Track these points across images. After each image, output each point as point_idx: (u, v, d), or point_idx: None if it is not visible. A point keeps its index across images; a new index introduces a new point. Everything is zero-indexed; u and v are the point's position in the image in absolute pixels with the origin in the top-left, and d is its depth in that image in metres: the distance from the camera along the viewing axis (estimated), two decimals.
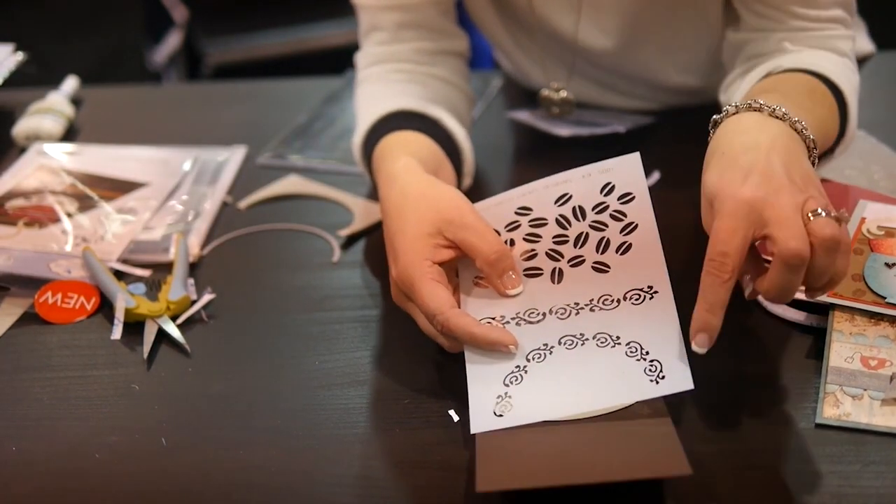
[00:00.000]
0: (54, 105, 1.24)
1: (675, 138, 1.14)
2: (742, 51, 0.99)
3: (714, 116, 0.81)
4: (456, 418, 0.75)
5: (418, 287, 0.77)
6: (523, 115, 1.16)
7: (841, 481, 0.68)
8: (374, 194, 1.05)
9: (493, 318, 0.78)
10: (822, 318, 0.79)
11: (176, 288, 0.90)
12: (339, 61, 1.48)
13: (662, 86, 1.14)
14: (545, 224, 0.81)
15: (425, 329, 0.79)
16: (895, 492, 0.67)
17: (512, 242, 0.81)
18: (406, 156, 0.88)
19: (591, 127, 1.13)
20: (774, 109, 0.77)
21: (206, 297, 0.90)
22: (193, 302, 0.90)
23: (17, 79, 1.25)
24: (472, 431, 0.72)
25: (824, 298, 0.78)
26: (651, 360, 0.72)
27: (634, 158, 0.82)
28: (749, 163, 0.72)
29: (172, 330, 0.87)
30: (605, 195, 0.81)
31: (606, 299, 0.77)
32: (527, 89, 1.26)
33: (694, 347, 0.70)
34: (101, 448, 0.75)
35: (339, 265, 0.96)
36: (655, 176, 1.06)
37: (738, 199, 0.70)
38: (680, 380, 0.71)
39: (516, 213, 0.82)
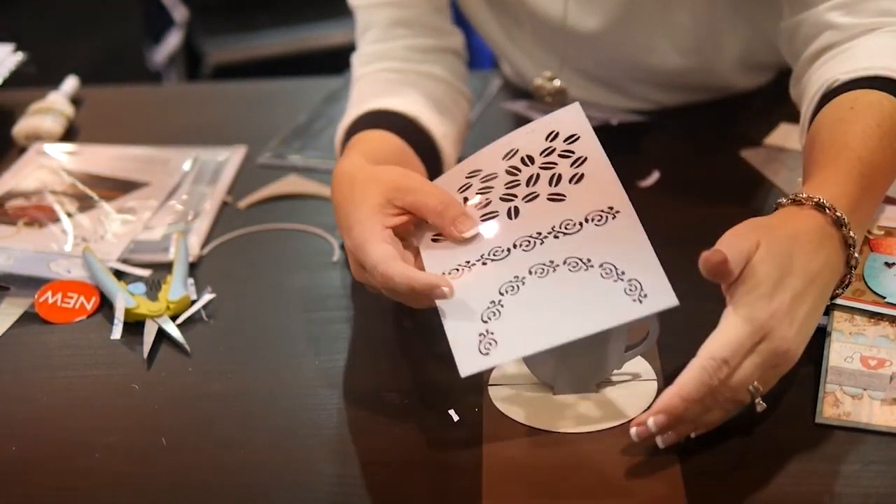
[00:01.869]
0: (54, 105, 1.24)
1: (674, 138, 1.14)
2: (795, 38, 0.93)
3: (780, 200, 0.77)
4: (456, 418, 0.75)
5: (366, 247, 0.76)
6: (518, 107, 1.16)
7: (840, 481, 0.68)
8: None
9: (459, 267, 0.77)
10: (822, 317, 0.79)
11: (176, 288, 0.90)
12: (339, 61, 1.47)
13: (656, 70, 1.11)
14: (495, 177, 0.81)
15: (387, 294, 0.78)
16: (895, 492, 0.67)
17: (466, 201, 0.81)
18: (357, 154, 0.88)
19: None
20: (838, 217, 0.74)
21: (206, 297, 0.90)
22: (193, 302, 0.90)
23: (17, 79, 1.24)
24: (462, 374, 0.71)
25: None
26: (629, 280, 0.72)
27: (575, 107, 0.82)
28: (783, 285, 0.70)
29: (172, 330, 0.87)
30: (551, 141, 0.81)
31: (568, 223, 0.76)
32: (524, 90, 1.26)
33: (649, 424, 0.67)
34: (101, 448, 0.75)
35: (339, 265, 0.96)
36: (655, 176, 1.06)
37: (761, 323, 0.68)
38: (663, 296, 0.70)
39: (466, 177, 0.82)
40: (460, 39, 1.08)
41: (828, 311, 0.78)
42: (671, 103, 1.17)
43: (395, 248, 0.77)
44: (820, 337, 0.78)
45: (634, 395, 0.76)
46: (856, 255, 0.75)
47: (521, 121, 1.19)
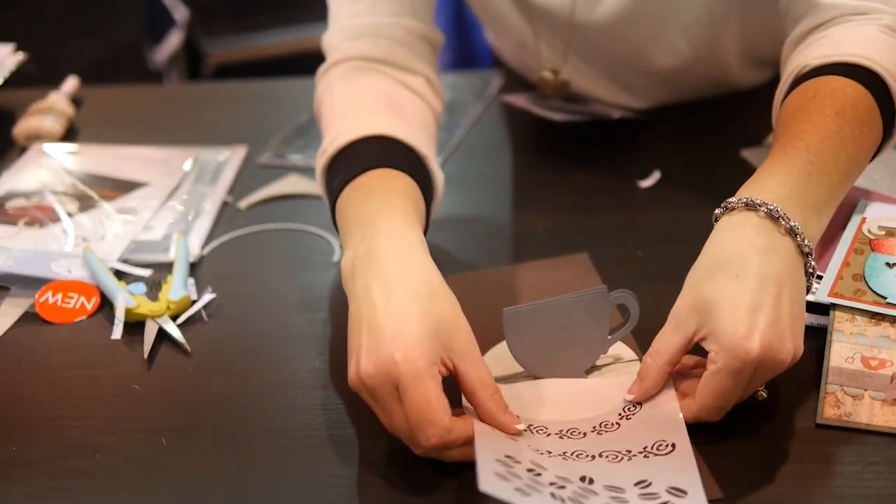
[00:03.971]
0: (55, 105, 1.24)
1: (674, 138, 1.14)
2: (787, 18, 0.93)
3: (716, 211, 0.76)
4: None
5: (421, 383, 0.66)
6: (518, 100, 1.16)
7: (841, 481, 0.68)
8: None
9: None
10: (823, 317, 0.79)
11: (176, 288, 0.90)
12: None
13: (661, 63, 1.11)
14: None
15: (395, 426, 0.69)
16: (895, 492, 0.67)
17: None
18: (416, 225, 0.78)
19: (586, 113, 1.13)
20: (770, 210, 0.72)
21: (207, 297, 0.90)
22: (194, 302, 0.90)
23: (18, 79, 1.24)
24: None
25: (825, 298, 0.78)
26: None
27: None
28: (756, 302, 0.69)
29: (173, 330, 0.87)
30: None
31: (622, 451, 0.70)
32: (524, 79, 1.26)
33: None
34: (101, 448, 0.75)
35: (338, 265, 0.96)
36: (656, 176, 1.06)
37: (747, 359, 0.68)
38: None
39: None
40: (441, 38, 1.03)
41: (828, 311, 0.78)
42: (673, 100, 1.17)
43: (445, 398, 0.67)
44: (821, 337, 0.78)
45: (621, 377, 0.77)
46: (806, 242, 0.72)
47: (521, 115, 1.20)
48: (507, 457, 0.66)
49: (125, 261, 0.97)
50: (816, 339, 0.80)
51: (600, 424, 0.72)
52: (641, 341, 0.80)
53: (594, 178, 1.07)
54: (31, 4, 2.21)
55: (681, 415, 0.71)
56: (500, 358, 0.78)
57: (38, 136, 1.20)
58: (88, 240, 0.99)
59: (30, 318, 0.90)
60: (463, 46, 2.13)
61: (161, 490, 0.72)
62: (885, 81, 0.81)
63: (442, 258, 0.95)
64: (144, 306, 0.88)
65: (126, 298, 0.88)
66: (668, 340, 0.72)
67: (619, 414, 0.73)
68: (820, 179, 0.76)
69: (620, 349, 0.80)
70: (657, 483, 0.66)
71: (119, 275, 0.94)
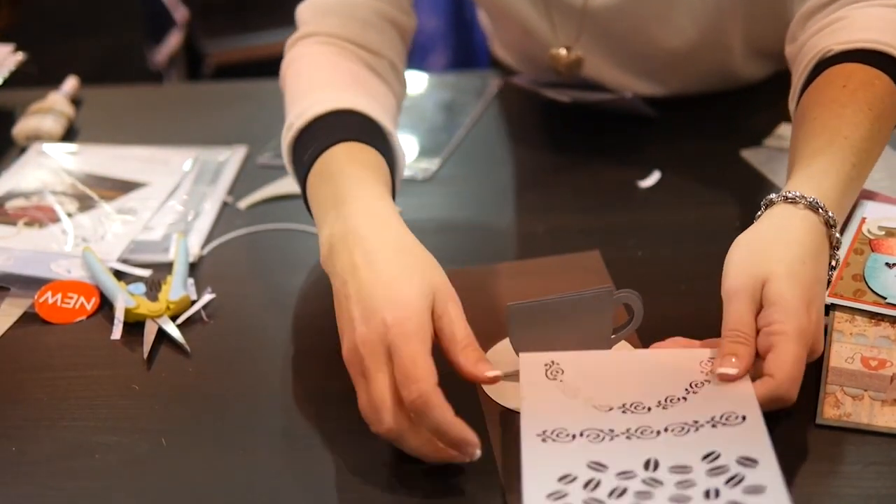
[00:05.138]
0: (55, 105, 1.24)
1: (675, 138, 1.14)
2: None
3: (771, 196, 0.77)
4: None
5: (411, 344, 0.67)
6: (525, 81, 1.15)
7: (841, 481, 0.68)
8: None
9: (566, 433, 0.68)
10: (823, 318, 0.79)
11: (176, 288, 0.90)
12: None
13: (669, 48, 1.11)
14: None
15: (372, 396, 0.69)
16: None
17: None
18: (388, 196, 0.80)
19: (595, 93, 1.12)
20: (829, 218, 0.75)
21: (206, 297, 0.90)
22: (193, 302, 0.90)
23: (17, 79, 1.24)
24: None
25: (825, 298, 0.78)
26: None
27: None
28: (813, 275, 0.72)
29: (172, 330, 0.87)
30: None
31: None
32: (525, 66, 1.25)
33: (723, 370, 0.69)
34: (101, 448, 0.75)
35: None
36: (656, 176, 1.06)
37: (810, 326, 0.69)
38: None
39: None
40: (414, 24, 1.04)
41: (828, 311, 0.78)
42: (678, 90, 1.17)
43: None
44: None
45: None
46: (837, 254, 0.77)
47: (521, 115, 1.20)
48: (562, 478, 0.65)
49: (125, 261, 0.97)
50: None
51: (665, 399, 0.70)
52: (644, 341, 0.80)
53: (594, 178, 1.07)
54: (31, 4, 2.22)
55: (752, 388, 0.69)
56: (505, 353, 0.78)
57: (38, 136, 1.20)
58: (88, 240, 0.99)
59: (29, 318, 0.90)
60: (462, 46, 2.13)
61: (161, 490, 0.72)
62: None
63: (441, 258, 0.95)
64: (144, 306, 0.88)
65: (126, 298, 0.88)
66: (740, 315, 0.70)
67: (686, 388, 0.71)
68: (857, 184, 0.81)
69: (624, 349, 0.80)
70: (726, 454, 0.65)
71: (119, 275, 0.94)
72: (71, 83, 1.32)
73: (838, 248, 0.76)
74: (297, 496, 0.71)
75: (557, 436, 0.68)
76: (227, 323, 0.89)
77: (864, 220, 0.86)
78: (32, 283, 0.93)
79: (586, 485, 0.64)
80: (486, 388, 0.77)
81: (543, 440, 0.68)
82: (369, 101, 0.90)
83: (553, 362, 0.74)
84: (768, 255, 0.72)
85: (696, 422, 0.68)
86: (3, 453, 0.76)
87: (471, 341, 0.71)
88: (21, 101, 1.26)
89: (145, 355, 0.84)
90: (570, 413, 0.70)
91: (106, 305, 0.91)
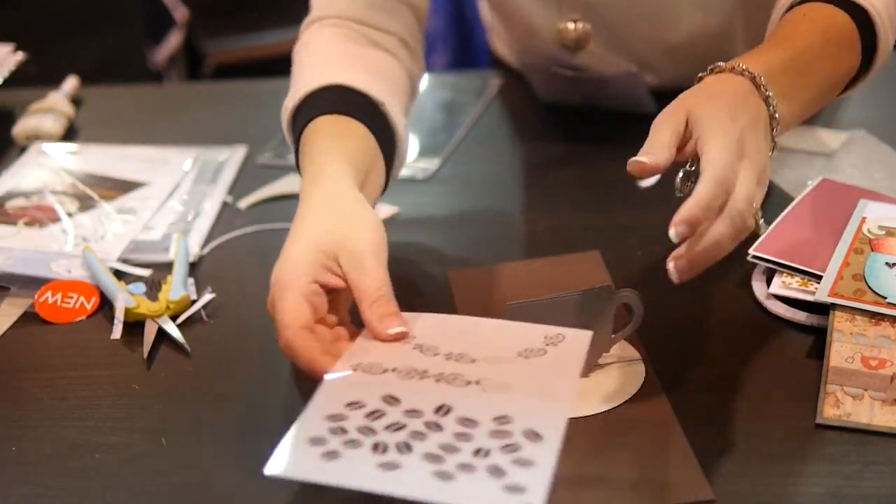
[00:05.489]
0: (55, 105, 1.24)
1: None
2: None
3: (700, 74, 0.81)
4: None
5: (284, 295, 0.71)
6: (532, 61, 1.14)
7: (841, 481, 0.68)
8: None
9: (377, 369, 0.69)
10: (823, 317, 0.79)
11: (176, 287, 0.90)
12: None
13: (676, 32, 1.12)
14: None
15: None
16: None
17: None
18: (341, 159, 0.81)
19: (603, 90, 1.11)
20: (755, 77, 0.77)
21: (206, 297, 0.90)
22: (193, 302, 0.90)
23: (18, 78, 1.24)
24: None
25: (825, 298, 0.78)
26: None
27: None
28: (745, 122, 0.74)
29: (172, 330, 0.87)
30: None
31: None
32: (524, 77, 1.25)
33: (671, 235, 0.68)
34: (101, 448, 0.75)
35: None
36: (656, 175, 1.06)
37: (734, 165, 0.70)
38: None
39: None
40: (427, 5, 1.05)
41: (828, 311, 0.78)
42: (678, 82, 1.17)
43: (309, 312, 0.70)
44: (820, 337, 0.78)
45: (624, 377, 0.77)
46: (776, 129, 0.77)
47: (522, 115, 1.20)
48: (350, 404, 0.65)
49: (125, 261, 0.97)
50: (816, 339, 0.80)
51: (493, 357, 0.70)
52: (645, 341, 0.80)
53: (594, 177, 1.07)
54: (31, 4, 2.22)
55: (577, 381, 0.68)
56: None
57: (38, 136, 1.20)
58: (88, 240, 0.99)
59: (30, 318, 0.90)
60: (463, 46, 2.13)
61: (161, 490, 0.72)
62: (872, 20, 0.87)
63: (441, 258, 0.96)
64: (144, 306, 0.88)
65: (126, 298, 0.88)
66: (658, 130, 0.73)
67: (519, 353, 0.70)
68: (796, 75, 0.81)
69: (624, 348, 0.80)
70: (518, 421, 0.63)
71: (119, 275, 0.94)
72: (71, 83, 1.32)
73: (772, 108, 0.77)
74: (297, 496, 0.71)
75: (369, 369, 0.69)
76: (227, 323, 0.89)
77: (864, 219, 0.86)
78: (32, 283, 0.93)
79: (370, 414, 0.65)
80: None
81: (354, 369, 0.69)
82: (361, 74, 0.91)
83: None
84: (696, 100, 0.75)
85: (509, 384, 0.67)
86: (3, 453, 0.76)
87: (380, 295, 0.72)
88: (21, 101, 1.27)
89: (145, 355, 0.84)
90: (393, 352, 0.71)
91: (106, 305, 0.91)
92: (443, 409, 0.65)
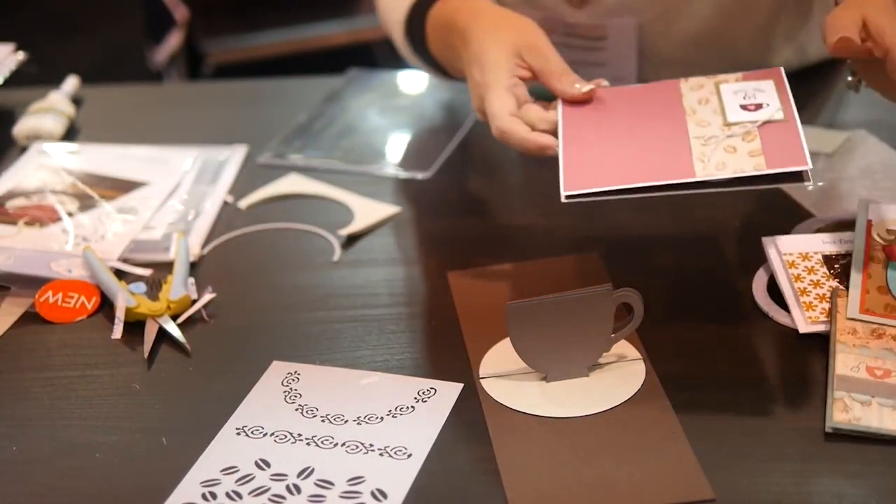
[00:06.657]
0: (55, 104, 1.24)
1: None
2: None
3: None
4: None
5: (489, 94, 0.86)
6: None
7: (841, 481, 0.68)
8: (374, 194, 1.05)
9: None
10: (824, 325, 0.79)
11: (176, 287, 0.90)
12: (340, 60, 1.47)
13: (685, 27, 1.11)
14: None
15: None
16: None
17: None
18: None
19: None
20: None
21: (207, 297, 0.90)
22: (194, 301, 0.90)
23: (18, 78, 1.24)
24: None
25: (857, 315, 0.77)
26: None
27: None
28: None
29: (173, 329, 0.87)
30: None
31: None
32: None
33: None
34: (101, 448, 0.75)
35: (339, 265, 0.96)
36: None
37: None
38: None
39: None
40: None
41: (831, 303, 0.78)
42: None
43: (515, 101, 0.86)
44: (821, 337, 0.78)
45: (624, 377, 0.77)
46: None
47: None
48: (225, 469, 0.71)
49: (125, 260, 0.97)
50: (820, 343, 0.79)
51: (366, 416, 0.75)
52: (645, 341, 0.80)
53: None
54: (31, 4, 2.22)
55: (436, 431, 0.73)
56: (505, 353, 0.78)
57: (38, 136, 1.20)
58: (88, 239, 0.99)
59: (30, 317, 0.90)
60: None
61: (161, 490, 0.71)
62: None
63: (441, 258, 0.96)
64: (144, 306, 0.88)
65: (126, 298, 0.88)
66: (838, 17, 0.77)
67: (389, 411, 0.76)
68: None
69: (624, 348, 0.80)
70: (369, 482, 0.69)
71: (119, 274, 0.94)
72: (71, 83, 1.32)
73: None
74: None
75: (252, 432, 0.75)
76: (227, 323, 0.89)
77: (870, 223, 0.85)
78: (33, 283, 0.93)
79: (240, 479, 0.70)
80: (486, 387, 0.77)
81: (238, 433, 0.74)
82: None
83: (295, 372, 0.80)
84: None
85: (371, 445, 0.72)
86: (3, 453, 0.76)
87: (564, 69, 0.88)
88: (21, 101, 1.26)
89: (146, 354, 0.84)
90: (277, 414, 0.76)
91: (106, 305, 0.91)
92: (305, 472, 0.71)
